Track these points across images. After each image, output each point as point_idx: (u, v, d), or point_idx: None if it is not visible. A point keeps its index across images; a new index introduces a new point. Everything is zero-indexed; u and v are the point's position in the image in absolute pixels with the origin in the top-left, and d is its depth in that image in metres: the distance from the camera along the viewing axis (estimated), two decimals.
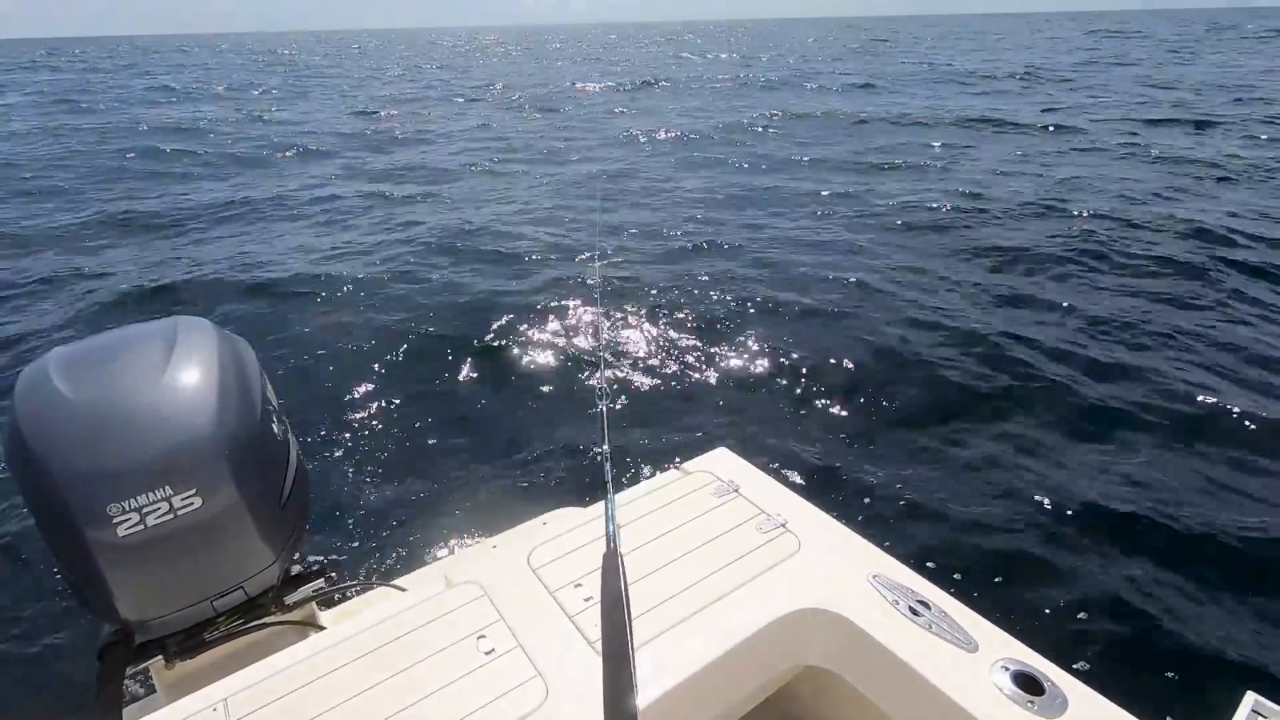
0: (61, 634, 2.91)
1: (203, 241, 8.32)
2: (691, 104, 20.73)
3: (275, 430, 1.55)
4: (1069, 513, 3.47)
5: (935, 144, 13.39)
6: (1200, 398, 4.38)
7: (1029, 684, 1.09)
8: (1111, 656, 2.68)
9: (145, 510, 1.27)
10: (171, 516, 1.29)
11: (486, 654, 1.15)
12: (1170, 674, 2.61)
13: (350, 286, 6.58)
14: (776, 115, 17.59)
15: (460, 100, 24.08)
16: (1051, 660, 1.14)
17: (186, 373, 1.41)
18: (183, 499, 1.30)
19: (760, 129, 15.80)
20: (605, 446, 1.13)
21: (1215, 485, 3.66)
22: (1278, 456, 3.82)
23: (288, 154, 14.10)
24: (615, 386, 4.74)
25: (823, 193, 10.04)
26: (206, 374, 1.43)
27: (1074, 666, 1.13)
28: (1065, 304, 5.86)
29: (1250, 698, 1.07)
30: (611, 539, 0.95)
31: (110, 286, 6.80)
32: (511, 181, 11.37)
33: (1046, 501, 3.54)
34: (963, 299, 6.09)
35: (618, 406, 4.50)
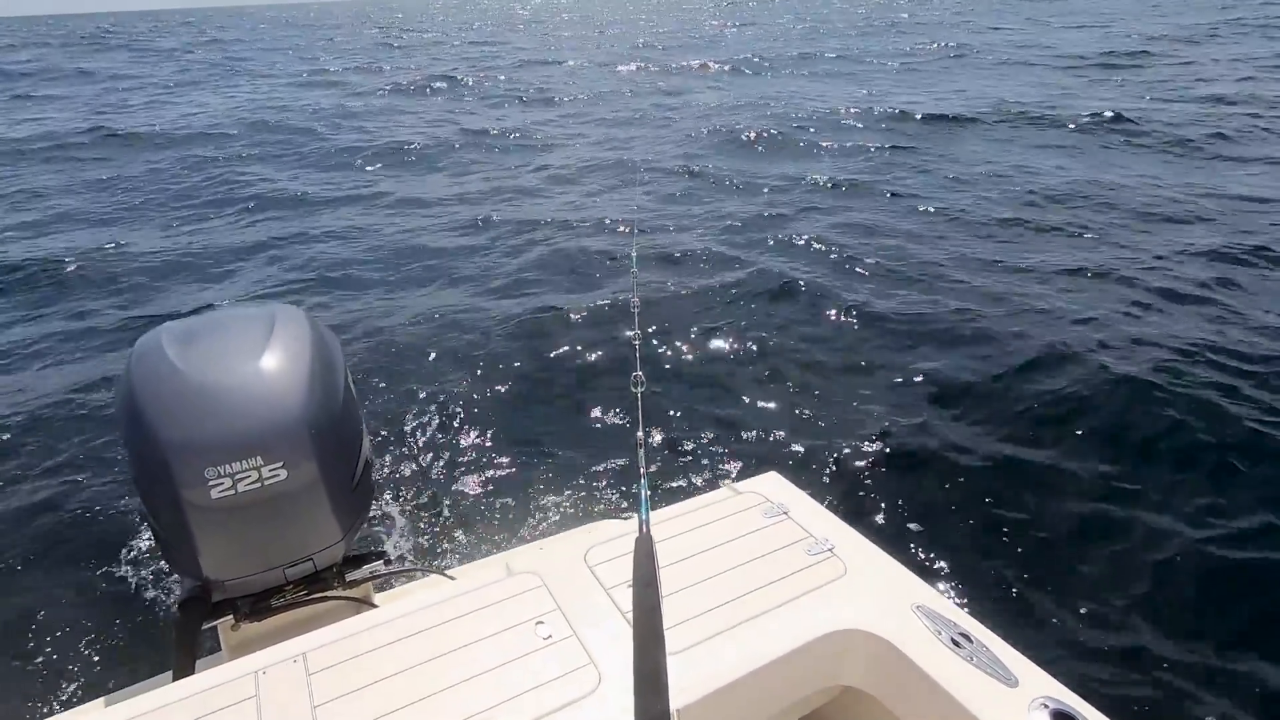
0: (146, 590, 3.11)
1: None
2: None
3: (352, 415, 1.67)
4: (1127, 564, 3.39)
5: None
6: None
7: None
8: (1155, 702, 2.62)
9: (238, 476, 1.38)
10: (259, 485, 1.40)
11: (545, 639, 1.22)
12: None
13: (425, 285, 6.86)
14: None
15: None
16: (1093, 704, 1.15)
17: (282, 357, 1.54)
18: (270, 470, 1.41)
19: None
20: (640, 433, 1.19)
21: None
22: None
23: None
24: (659, 390, 4.83)
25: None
26: (298, 359, 1.55)
27: (1114, 709, 1.14)
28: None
29: None
30: (644, 524, 1.01)
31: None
32: None
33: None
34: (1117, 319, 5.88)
35: (669, 417, 4.57)
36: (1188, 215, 7.91)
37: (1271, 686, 2.77)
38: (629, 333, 1.56)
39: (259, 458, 1.40)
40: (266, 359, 1.52)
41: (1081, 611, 3.12)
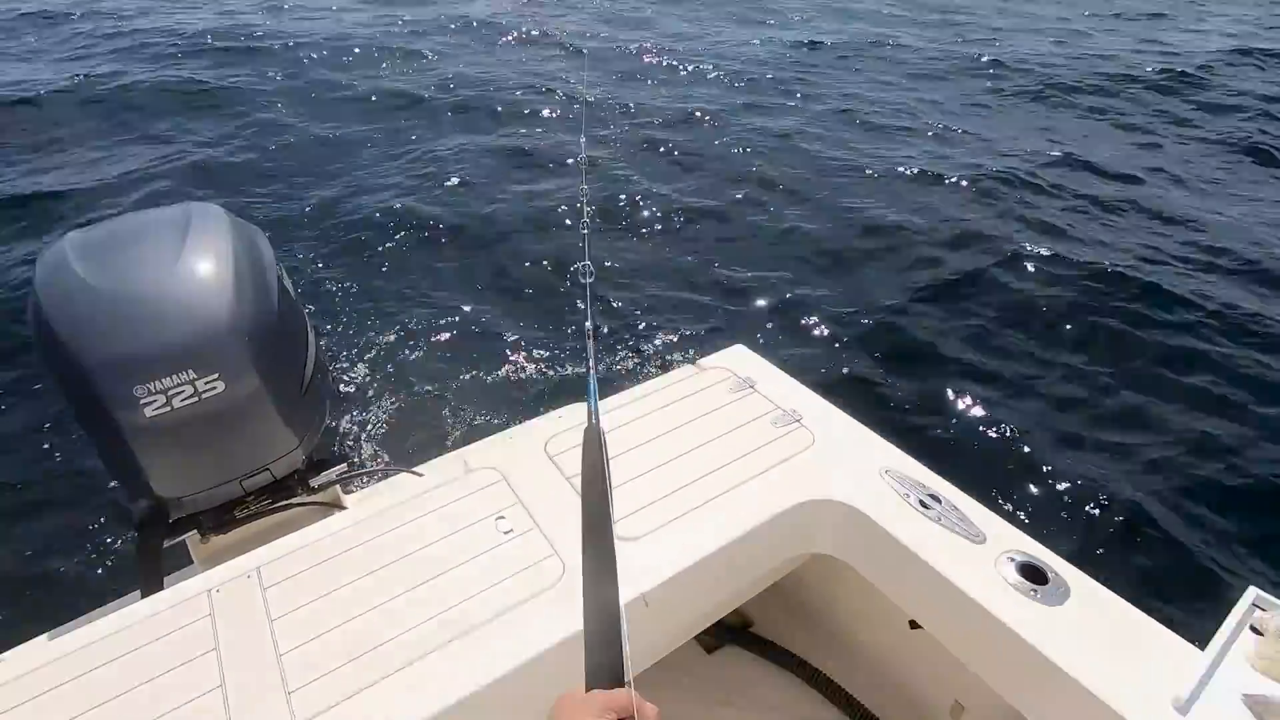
0: (104, 510, 3.09)
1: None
2: None
3: (293, 318, 1.57)
4: (1088, 414, 3.48)
5: None
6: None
7: (1034, 574, 1.11)
8: (1119, 552, 2.76)
9: (171, 393, 1.30)
10: (196, 399, 1.32)
11: (505, 534, 1.20)
12: (1176, 570, 2.69)
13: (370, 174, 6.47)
14: None
15: None
16: (1060, 555, 1.15)
17: (201, 260, 1.41)
18: (206, 383, 1.33)
19: None
20: (588, 324, 1.13)
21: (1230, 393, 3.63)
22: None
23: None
24: (614, 267, 4.72)
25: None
26: (221, 261, 1.43)
27: (1081, 560, 1.15)
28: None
29: (1251, 592, 1.09)
30: (593, 414, 0.96)
31: None
32: None
33: (1066, 399, 3.55)
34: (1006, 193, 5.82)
35: (631, 297, 4.49)
36: None
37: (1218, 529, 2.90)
38: (579, 220, 1.45)
39: (190, 371, 1.31)
40: (185, 263, 1.40)
41: (1051, 467, 3.21)
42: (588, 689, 0.67)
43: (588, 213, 1.75)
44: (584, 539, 0.81)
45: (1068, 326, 4.25)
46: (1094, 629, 1.04)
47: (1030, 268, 4.82)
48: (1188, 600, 2.48)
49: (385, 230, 5.42)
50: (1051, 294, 4.54)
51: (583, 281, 1.24)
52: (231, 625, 1.08)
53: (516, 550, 1.17)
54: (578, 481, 1.28)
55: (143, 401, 1.29)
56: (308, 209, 5.66)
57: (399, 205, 5.70)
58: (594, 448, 0.91)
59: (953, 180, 6.01)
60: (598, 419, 0.96)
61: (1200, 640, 1.04)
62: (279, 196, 5.92)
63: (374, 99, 8.01)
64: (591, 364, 1.05)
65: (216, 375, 1.34)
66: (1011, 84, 8.72)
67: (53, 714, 0.97)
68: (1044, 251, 4.96)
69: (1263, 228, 5.49)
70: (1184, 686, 0.94)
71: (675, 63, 9.41)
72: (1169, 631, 1.05)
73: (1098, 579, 1.11)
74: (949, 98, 8.25)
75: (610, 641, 0.71)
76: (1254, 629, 1.05)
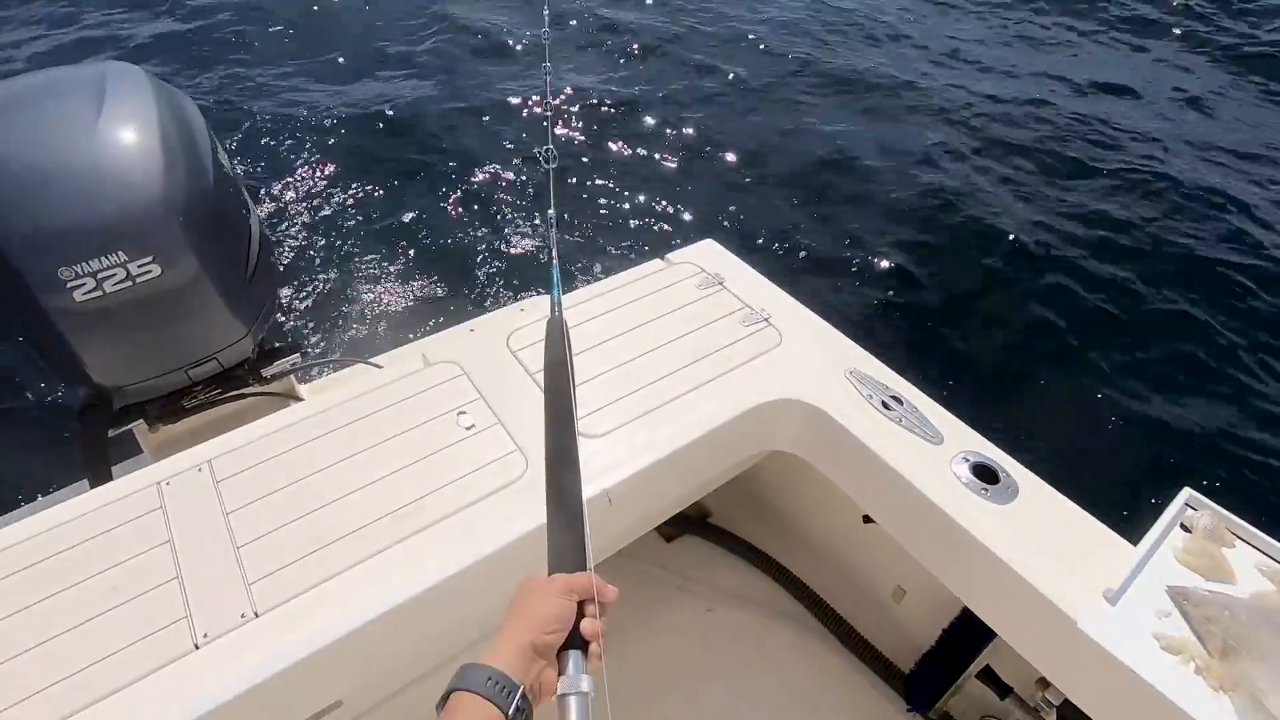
0: (32, 402, 2.97)
1: None
2: None
3: (232, 197, 1.45)
4: (1060, 323, 3.56)
5: None
6: None
7: (985, 474, 1.15)
8: (1071, 455, 2.89)
9: (101, 276, 1.21)
10: (130, 284, 1.23)
11: (467, 429, 1.18)
12: (1121, 471, 2.85)
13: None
14: None
15: None
16: (1014, 457, 1.19)
17: (123, 127, 1.28)
18: (140, 266, 1.23)
19: None
20: (551, 212, 1.08)
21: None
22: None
23: None
24: (583, 163, 4.52)
25: None
26: (146, 129, 1.30)
27: (1033, 462, 1.19)
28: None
29: (1185, 492, 1.14)
30: (556, 305, 0.94)
31: None
32: None
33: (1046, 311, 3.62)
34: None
35: (599, 191, 4.33)
36: None
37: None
38: (543, 106, 1.34)
39: (120, 253, 1.21)
40: (105, 130, 1.26)
41: (1012, 373, 3.29)
42: (550, 574, 0.68)
43: (550, 91, 1.63)
44: (546, 430, 0.80)
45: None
46: (1037, 526, 1.09)
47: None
48: (1133, 500, 2.64)
49: (338, 114, 5.03)
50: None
51: (545, 166, 1.16)
52: (185, 518, 1.05)
53: (478, 446, 1.15)
54: (541, 377, 1.26)
55: (70, 284, 1.20)
56: (248, 88, 5.21)
57: (356, 89, 5.28)
58: (557, 340, 0.89)
59: (924, 95, 5.78)
60: (561, 310, 0.93)
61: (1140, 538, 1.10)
62: (219, 75, 5.41)
63: None
64: (555, 254, 1.00)
65: (151, 258, 1.24)
66: None
67: (1, 605, 0.95)
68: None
69: None
70: (1116, 578, 1.00)
71: None
72: (1109, 530, 1.10)
73: (1054, 482, 1.16)
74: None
75: (572, 527, 0.72)
76: (1184, 527, 1.11)
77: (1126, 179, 4.63)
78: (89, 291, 1.21)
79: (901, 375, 1.32)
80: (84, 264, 1.19)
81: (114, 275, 1.22)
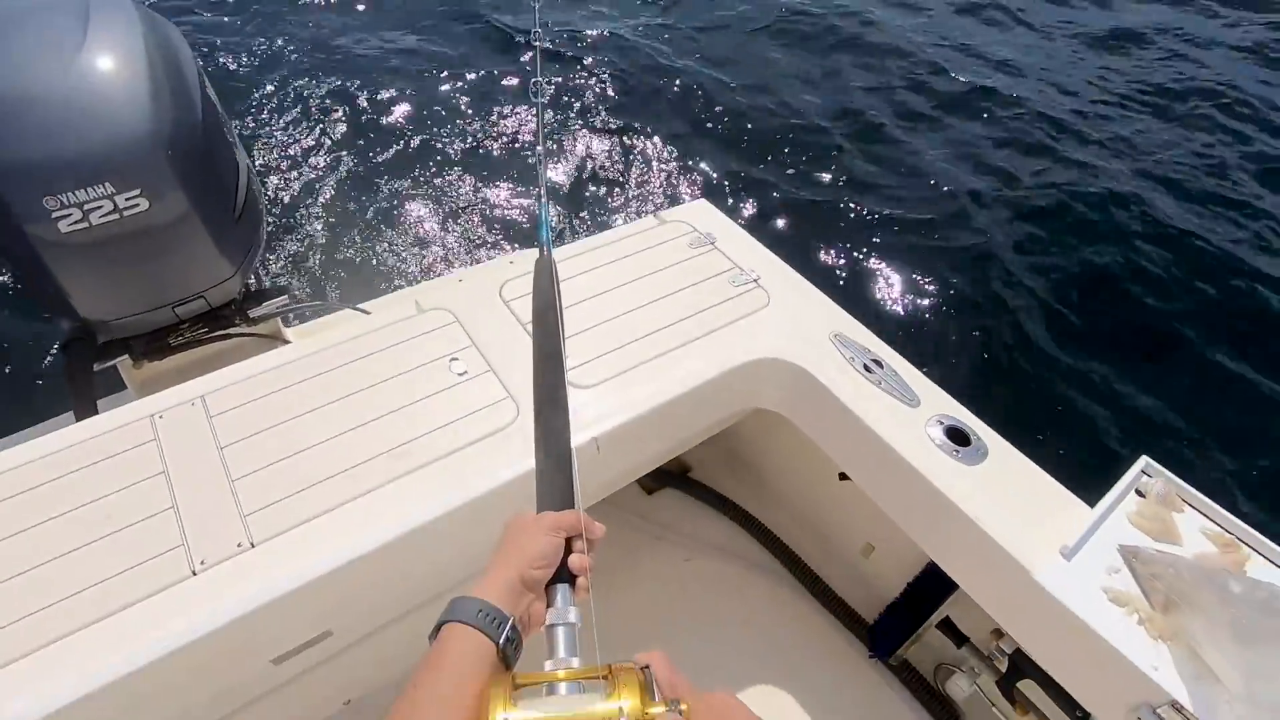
0: (26, 327, 2.92)
1: None
2: None
3: (219, 133, 1.42)
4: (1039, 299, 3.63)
5: None
6: None
7: (958, 436, 1.20)
8: (1042, 421, 3.00)
9: (87, 207, 1.19)
10: (117, 217, 1.22)
11: (459, 375, 1.19)
12: (1087, 438, 2.96)
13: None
14: None
15: None
16: (986, 421, 1.24)
17: (108, 54, 1.24)
18: (127, 199, 1.22)
19: None
20: (539, 148, 1.07)
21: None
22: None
23: None
24: (577, 124, 4.46)
25: None
26: (131, 59, 1.26)
27: (1004, 427, 1.24)
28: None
29: (1143, 460, 1.20)
30: (544, 245, 0.94)
31: None
32: None
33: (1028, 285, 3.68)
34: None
35: (592, 145, 4.27)
36: None
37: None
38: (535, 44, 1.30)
39: (108, 184, 1.19)
40: (89, 57, 1.23)
41: (997, 341, 3.36)
42: (539, 511, 0.71)
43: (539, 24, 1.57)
44: (535, 371, 0.81)
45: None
46: (1003, 487, 1.15)
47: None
48: (1095, 466, 2.76)
49: (333, 63, 4.87)
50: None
51: (535, 100, 1.15)
52: (179, 450, 1.07)
53: (470, 392, 1.17)
54: (533, 326, 1.28)
55: (55, 215, 1.18)
56: (237, 28, 5.01)
57: (349, 30, 5.10)
58: (546, 281, 0.89)
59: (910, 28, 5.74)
60: (550, 251, 0.93)
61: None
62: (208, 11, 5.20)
63: None
64: (543, 192, 1.00)
65: (138, 191, 1.23)
66: None
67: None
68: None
69: None
70: (1073, 537, 1.06)
71: None
72: (1070, 493, 1.16)
73: (1024, 448, 1.21)
74: None
75: (560, 467, 0.74)
76: (1139, 492, 1.18)
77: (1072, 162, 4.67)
78: (75, 222, 1.19)
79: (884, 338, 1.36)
80: (69, 194, 1.18)
81: (100, 207, 1.20)
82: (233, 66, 4.59)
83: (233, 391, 1.15)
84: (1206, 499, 1.13)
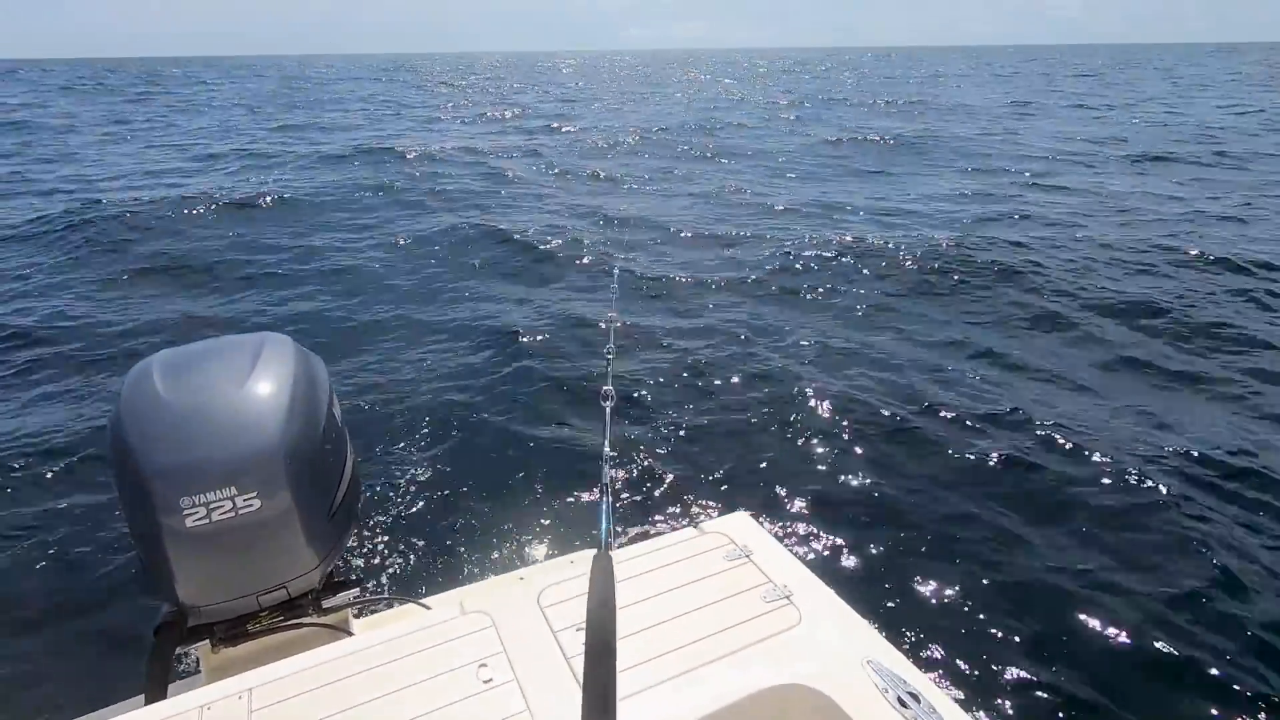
0: (120, 613, 3.20)
1: None
2: None
3: (335, 444, 1.70)
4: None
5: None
6: None
7: None
8: None
9: (212, 505, 1.42)
10: (233, 514, 1.44)
11: (485, 683, 1.24)
12: None
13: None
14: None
15: None
16: None
17: (264, 386, 1.58)
18: (245, 499, 1.45)
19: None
20: (606, 449, 1.19)
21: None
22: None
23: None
24: (632, 425, 4.86)
25: None
26: (281, 388, 1.59)
27: None
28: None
29: None
30: (604, 542, 1.01)
31: None
32: None
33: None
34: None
35: (646, 453, 4.58)
36: None
37: None
38: (605, 358, 1.56)
39: (233, 487, 1.44)
40: (249, 388, 1.57)
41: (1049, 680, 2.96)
42: None
43: (613, 331, 1.81)
44: (586, 669, 0.85)
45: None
46: None
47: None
48: None
49: (430, 362, 5.80)
50: None
51: (604, 405, 1.32)
52: None
53: (492, 702, 1.20)
54: (564, 637, 1.34)
55: (185, 511, 1.42)
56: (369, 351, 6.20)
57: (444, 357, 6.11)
58: (603, 577, 0.94)
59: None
60: (607, 547, 1.00)
61: None
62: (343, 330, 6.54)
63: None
64: (607, 492, 1.10)
65: (255, 493, 1.46)
66: None
67: None
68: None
69: None
70: None
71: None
72: None
73: None
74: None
75: None
76: None
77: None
78: (199, 519, 1.42)
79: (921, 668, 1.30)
80: (201, 495, 1.42)
81: (223, 505, 1.43)
82: (357, 390, 5.46)
83: (283, 684, 1.24)
84: None
